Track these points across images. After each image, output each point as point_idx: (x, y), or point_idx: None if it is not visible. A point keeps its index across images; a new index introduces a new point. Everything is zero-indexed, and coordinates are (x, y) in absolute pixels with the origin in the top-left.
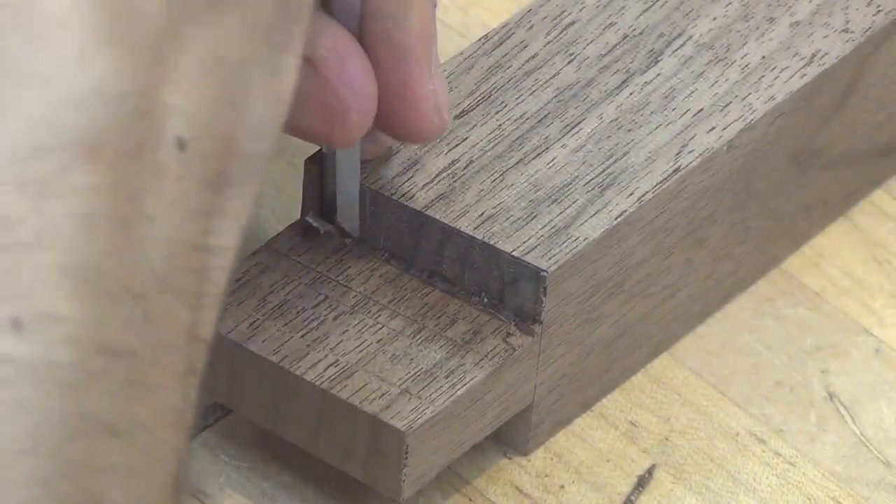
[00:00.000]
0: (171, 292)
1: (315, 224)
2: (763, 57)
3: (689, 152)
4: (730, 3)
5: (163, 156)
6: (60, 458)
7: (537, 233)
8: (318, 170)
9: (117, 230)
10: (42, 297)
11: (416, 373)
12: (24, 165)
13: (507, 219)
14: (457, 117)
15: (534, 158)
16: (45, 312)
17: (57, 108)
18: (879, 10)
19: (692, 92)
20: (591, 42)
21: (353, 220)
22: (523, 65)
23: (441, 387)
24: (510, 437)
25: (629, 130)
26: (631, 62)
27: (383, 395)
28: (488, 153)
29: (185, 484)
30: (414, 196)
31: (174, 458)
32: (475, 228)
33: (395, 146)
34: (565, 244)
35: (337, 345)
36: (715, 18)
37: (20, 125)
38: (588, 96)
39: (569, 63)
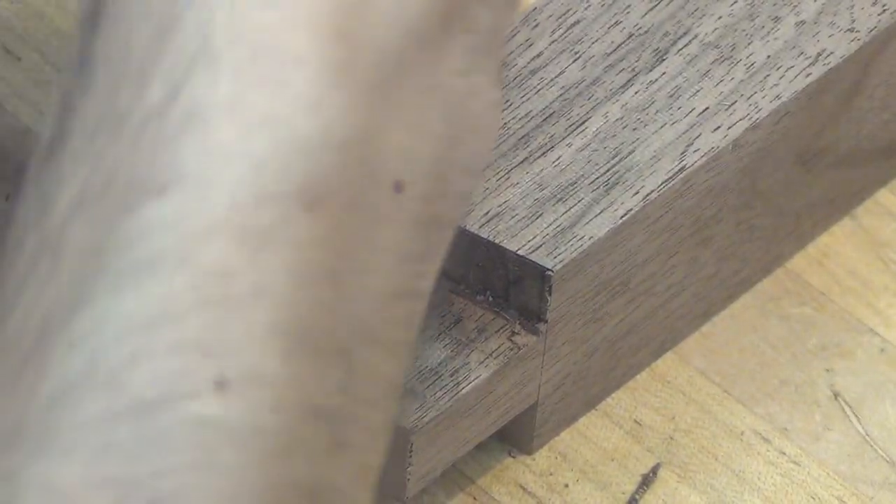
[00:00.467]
0: (376, 344)
1: None
2: (768, 56)
3: (695, 151)
4: (735, 2)
5: (379, 200)
6: None
7: (542, 231)
8: None
9: (330, 284)
10: (250, 355)
11: (420, 371)
12: (246, 214)
13: (513, 217)
14: None
15: (539, 157)
16: (252, 372)
17: (284, 153)
18: (885, 10)
19: (697, 91)
20: (596, 41)
21: None
22: (528, 63)
23: (446, 385)
24: (515, 436)
25: (634, 129)
26: (636, 61)
27: None
28: (493, 151)
29: None
30: None
31: None
32: (480, 227)
33: None
34: (570, 243)
35: None
36: (720, 17)
37: (244, 170)
38: (593, 95)
39: (574, 61)
